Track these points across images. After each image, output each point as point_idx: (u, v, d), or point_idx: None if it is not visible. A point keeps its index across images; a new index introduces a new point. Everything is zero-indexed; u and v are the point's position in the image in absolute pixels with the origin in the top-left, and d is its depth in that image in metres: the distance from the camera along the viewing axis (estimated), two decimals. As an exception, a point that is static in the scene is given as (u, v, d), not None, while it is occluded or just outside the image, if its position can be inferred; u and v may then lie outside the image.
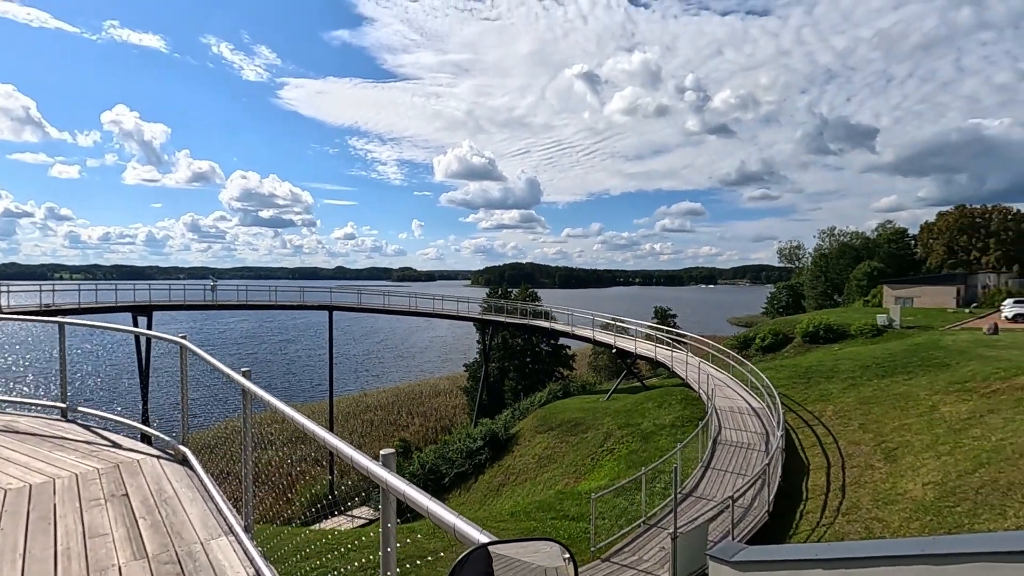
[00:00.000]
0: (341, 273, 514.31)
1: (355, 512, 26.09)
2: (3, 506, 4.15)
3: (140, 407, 26.52)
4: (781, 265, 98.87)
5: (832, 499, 13.22)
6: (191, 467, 5.25)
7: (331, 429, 5.26)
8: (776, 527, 12.15)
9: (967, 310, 41.36)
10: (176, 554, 3.60)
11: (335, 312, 37.21)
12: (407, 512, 2.02)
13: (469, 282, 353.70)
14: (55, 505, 4.22)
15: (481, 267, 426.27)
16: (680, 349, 27.79)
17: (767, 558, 5.08)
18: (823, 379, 22.32)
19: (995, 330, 26.47)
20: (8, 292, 28.28)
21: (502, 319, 38.42)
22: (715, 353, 26.45)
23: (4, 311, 25.79)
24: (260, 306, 39.68)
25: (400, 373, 61.38)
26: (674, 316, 54.66)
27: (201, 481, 4.89)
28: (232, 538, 3.85)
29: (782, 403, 17.51)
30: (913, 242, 73.60)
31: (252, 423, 3.86)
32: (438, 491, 25.03)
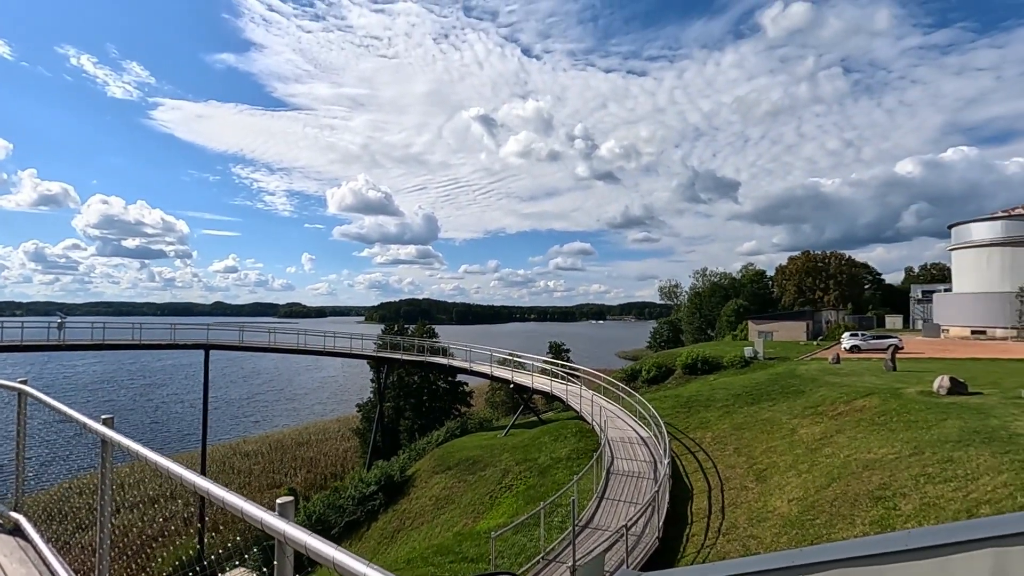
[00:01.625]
0: (220, 309, 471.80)
1: (229, 575, 23.35)
2: None
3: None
4: (662, 302, 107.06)
5: (714, 520, 14.14)
6: (26, 537, 4.43)
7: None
8: (666, 551, 12.72)
9: (815, 343, 47.21)
10: None
11: (212, 351, 34.00)
12: (303, 566, 1.86)
13: (363, 318, 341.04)
14: None
15: (376, 303, 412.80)
16: (574, 383, 28.71)
17: (660, 583, 5.29)
18: (702, 408, 24.11)
19: (838, 360, 30.41)
20: None
21: (398, 356, 37.36)
22: (606, 386, 27.63)
23: None
24: (120, 345, 35.05)
25: (285, 417, 56.98)
26: (568, 351, 56.55)
27: (40, 554, 4.14)
28: None
29: (667, 432, 18.62)
30: (770, 282, 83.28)
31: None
32: (326, 544, 23.21)
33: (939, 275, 77.27)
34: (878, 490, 11.57)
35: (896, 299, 76.00)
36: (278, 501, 1.79)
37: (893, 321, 65.71)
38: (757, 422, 20.12)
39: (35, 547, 4.25)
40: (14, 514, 4.68)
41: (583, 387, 27.22)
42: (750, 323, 56.10)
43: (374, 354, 39.27)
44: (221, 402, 60.54)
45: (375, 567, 1.41)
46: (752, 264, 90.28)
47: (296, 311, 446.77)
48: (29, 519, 4.62)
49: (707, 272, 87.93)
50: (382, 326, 65.96)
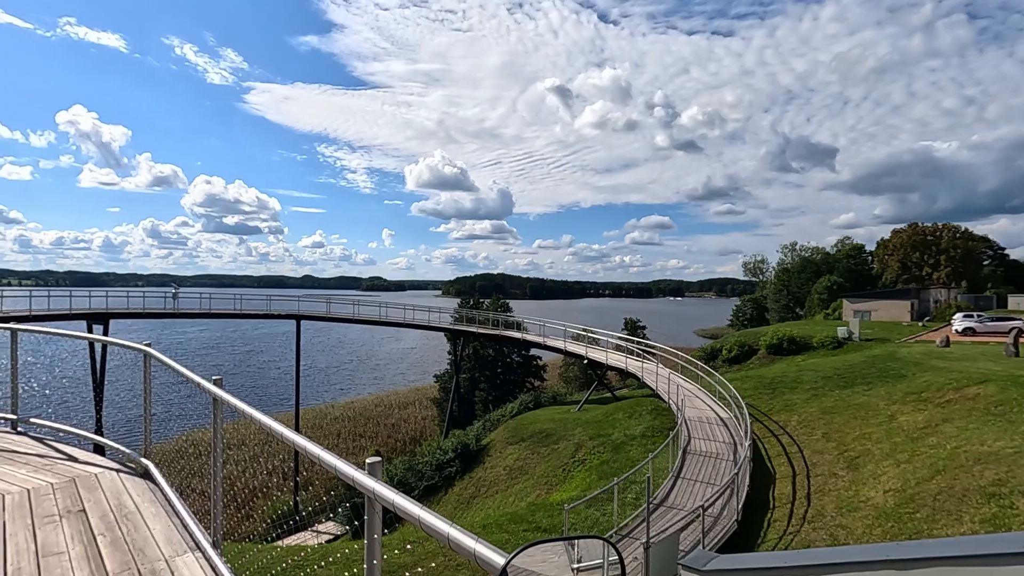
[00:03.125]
0: (309, 282, 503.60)
1: (320, 527, 25.41)
2: None
3: (94, 421, 25.36)
4: (746, 279, 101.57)
5: (798, 507, 13.52)
6: (154, 481, 5.04)
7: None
8: (745, 535, 12.35)
9: (920, 324, 43.16)
10: (138, 572, 3.44)
11: (303, 321, 36.47)
12: (386, 524, 1.97)
13: (440, 292, 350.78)
14: (4, 522, 3.99)
15: (452, 277, 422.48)
16: (650, 360, 28.14)
17: (738, 566, 5.15)
18: (787, 390, 22.89)
19: (947, 343, 27.67)
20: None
21: (473, 329, 38.26)
22: (684, 364, 26.87)
23: None
24: (224, 315, 38.54)
25: (369, 385, 60.37)
26: (643, 327, 55.40)
27: (165, 495, 4.69)
28: (199, 554, 3.70)
29: (749, 413, 17.88)
30: (870, 258, 76.67)
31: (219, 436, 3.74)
32: (407, 504, 24.55)
33: (1078, 250, 67.76)
34: (992, 486, 10.53)
35: (1023, 277, 67.67)
36: (367, 460, 1.90)
37: (1018, 301, 58.50)
38: (849, 407, 18.85)
39: (161, 489, 4.83)
40: (144, 460, 5.33)
41: (659, 365, 26.62)
42: (845, 301, 52.22)
43: (451, 327, 40.45)
44: (311, 369, 65.09)
45: (457, 527, 1.47)
46: (849, 238, 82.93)
47: (378, 284, 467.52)
48: (156, 466, 5.24)
49: (797, 246, 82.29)
50: (458, 300, 67.68)
